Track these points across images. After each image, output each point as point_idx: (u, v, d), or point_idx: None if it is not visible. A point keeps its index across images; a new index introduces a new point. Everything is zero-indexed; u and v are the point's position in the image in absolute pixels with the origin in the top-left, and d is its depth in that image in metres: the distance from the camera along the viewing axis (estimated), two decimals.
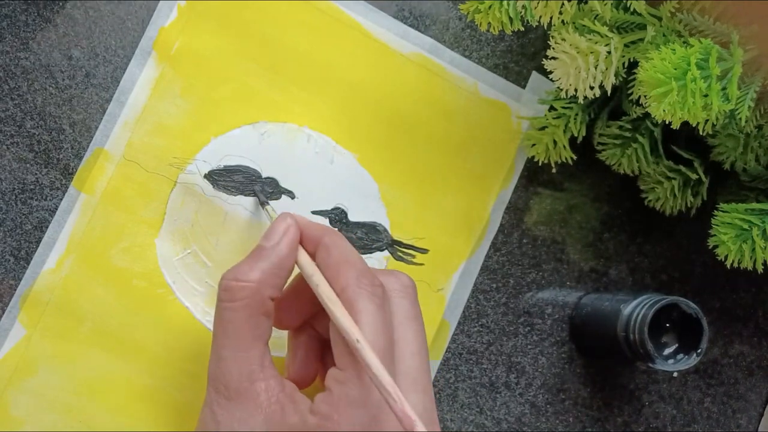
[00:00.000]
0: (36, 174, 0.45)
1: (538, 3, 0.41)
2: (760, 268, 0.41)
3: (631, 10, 0.43)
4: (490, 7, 0.42)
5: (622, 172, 0.48)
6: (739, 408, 0.52)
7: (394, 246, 0.48)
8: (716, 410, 0.51)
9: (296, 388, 0.37)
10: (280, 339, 0.43)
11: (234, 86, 0.46)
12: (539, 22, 0.42)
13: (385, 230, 0.48)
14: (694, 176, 0.47)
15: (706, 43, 0.37)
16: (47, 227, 0.44)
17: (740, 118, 0.40)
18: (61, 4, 0.45)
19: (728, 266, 0.42)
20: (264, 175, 0.46)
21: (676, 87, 0.37)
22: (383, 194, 0.48)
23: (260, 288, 0.37)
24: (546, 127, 0.48)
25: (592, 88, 0.42)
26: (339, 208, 0.47)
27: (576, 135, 0.47)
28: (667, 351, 0.45)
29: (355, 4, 0.47)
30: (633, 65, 0.43)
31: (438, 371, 0.48)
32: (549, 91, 0.49)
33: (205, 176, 0.45)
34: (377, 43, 0.48)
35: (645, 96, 0.38)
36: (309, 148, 0.47)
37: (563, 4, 0.41)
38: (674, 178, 0.47)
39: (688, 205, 0.48)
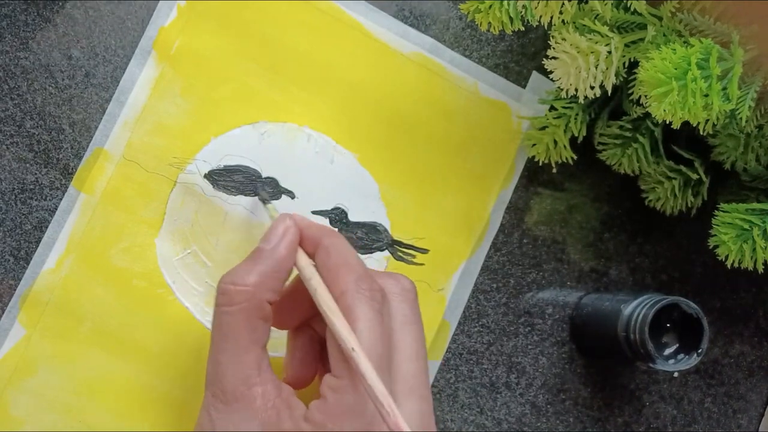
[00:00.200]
0: (36, 174, 0.45)
1: (538, 3, 0.41)
2: (760, 268, 0.41)
3: (632, 9, 0.42)
4: (490, 6, 0.42)
5: (622, 172, 0.48)
6: (740, 408, 0.52)
7: (394, 246, 0.48)
8: (717, 410, 0.51)
9: (293, 392, 0.37)
10: (279, 339, 0.43)
11: (234, 86, 0.46)
12: (539, 21, 0.42)
13: (386, 230, 0.47)
14: (694, 176, 0.47)
15: (706, 42, 0.37)
16: (47, 227, 0.44)
17: (741, 118, 0.40)
18: (61, 4, 0.45)
19: (729, 266, 0.42)
20: (264, 175, 0.46)
21: (677, 87, 0.37)
22: (383, 194, 0.48)
23: (258, 292, 0.37)
24: (546, 126, 0.48)
25: (592, 87, 0.42)
26: (339, 208, 0.47)
27: (576, 135, 0.47)
28: (668, 351, 0.45)
29: (355, 3, 0.47)
30: (633, 65, 0.43)
31: (438, 371, 0.48)
32: (549, 91, 0.49)
33: (205, 176, 0.45)
34: (377, 42, 0.48)
35: (645, 96, 0.38)
36: (309, 148, 0.47)
37: (563, 3, 0.41)
38: (675, 178, 0.47)
39: (689, 205, 0.48)
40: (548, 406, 0.49)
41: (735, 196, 0.48)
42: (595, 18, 0.43)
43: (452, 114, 0.48)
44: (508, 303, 0.49)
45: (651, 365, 0.44)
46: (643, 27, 0.43)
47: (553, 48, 0.43)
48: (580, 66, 0.42)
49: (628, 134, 0.47)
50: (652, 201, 0.49)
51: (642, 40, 0.42)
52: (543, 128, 0.48)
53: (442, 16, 0.49)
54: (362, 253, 0.47)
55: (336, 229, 0.39)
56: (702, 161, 0.47)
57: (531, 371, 0.49)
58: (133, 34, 0.46)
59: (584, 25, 0.42)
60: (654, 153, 0.47)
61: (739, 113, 0.40)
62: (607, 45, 0.41)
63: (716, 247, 0.42)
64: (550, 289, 0.50)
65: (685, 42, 0.40)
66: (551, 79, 0.44)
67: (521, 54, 0.50)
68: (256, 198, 0.46)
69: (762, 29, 0.39)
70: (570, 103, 0.47)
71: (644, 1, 0.42)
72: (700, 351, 0.44)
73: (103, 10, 0.46)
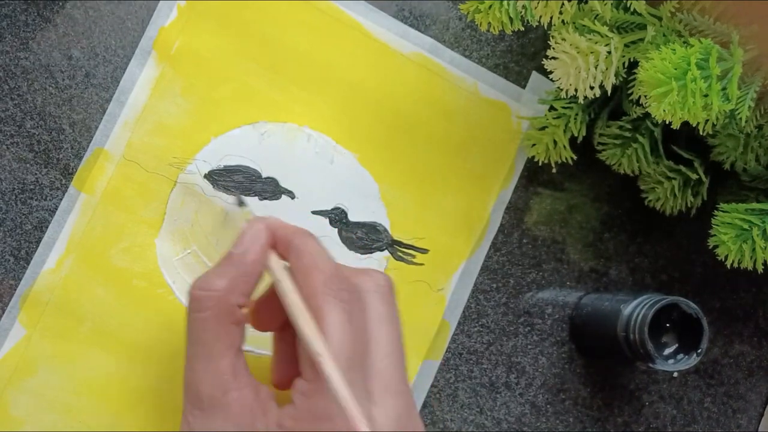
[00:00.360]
0: (36, 174, 0.45)
1: (538, 3, 0.41)
2: (760, 268, 0.41)
3: (632, 10, 0.42)
4: (490, 7, 0.42)
5: (622, 172, 0.48)
6: (739, 408, 0.52)
7: (394, 246, 0.48)
8: (716, 410, 0.51)
9: (272, 395, 0.37)
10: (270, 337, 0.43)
11: (234, 86, 0.46)
12: (539, 22, 0.42)
13: (386, 230, 0.47)
14: (694, 176, 0.47)
15: (706, 43, 0.37)
16: (47, 227, 0.44)
17: (740, 118, 0.40)
18: (61, 4, 0.45)
19: (728, 266, 0.42)
20: (264, 175, 0.46)
21: (676, 87, 0.37)
22: (383, 194, 0.48)
23: (228, 296, 0.36)
24: (546, 127, 0.48)
25: (592, 88, 0.42)
26: (339, 208, 0.47)
27: (576, 135, 0.47)
28: (668, 351, 0.45)
29: (355, 4, 0.47)
30: (633, 65, 0.43)
31: (438, 371, 0.48)
32: (549, 91, 0.49)
33: (205, 176, 0.45)
34: (377, 43, 0.48)
35: (645, 96, 0.38)
36: (309, 148, 0.47)
37: (563, 4, 0.41)
38: (674, 178, 0.47)
39: (688, 205, 0.48)
40: (548, 406, 0.49)
41: (735, 196, 0.48)
42: (595, 18, 0.43)
43: (452, 114, 0.48)
44: (508, 303, 0.49)
45: (651, 365, 0.44)
46: (642, 27, 0.43)
47: (553, 48, 0.43)
48: (580, 66, 0.42)
49: (627, 134, 0.47)
50: (651, 201, 0.49)
51: (642, 40, 0.42)
52: (543, 128, 0.48)
53: (441, 16, 0.49)
54: (362, 253, 0.47)
55: (309, 230, 0.39)
56: (702, 161, 0.47)
57: (531, 371, 0.49)
58: (133, 34, 0.46)
59: (584, 26, 0.42)
60: (654, 153, 0.47)
61: (738, 113, 0.40)
62: (606, 45, 0.41)
63: (716, 247, 0.42)
64: (549, 289, 0.50)
65: (684, 42, 0.40)
66: (551, 80, 0.44)
67: (521, 54, 0.50)
68: (256, 198, 0.46)
69: (762, 29, 0.39)
70: (570, 103, 0.47)
71: (644, 1, 0.42)
72: (699, 351, 0.44)
73: (103, 10, 0.46)
